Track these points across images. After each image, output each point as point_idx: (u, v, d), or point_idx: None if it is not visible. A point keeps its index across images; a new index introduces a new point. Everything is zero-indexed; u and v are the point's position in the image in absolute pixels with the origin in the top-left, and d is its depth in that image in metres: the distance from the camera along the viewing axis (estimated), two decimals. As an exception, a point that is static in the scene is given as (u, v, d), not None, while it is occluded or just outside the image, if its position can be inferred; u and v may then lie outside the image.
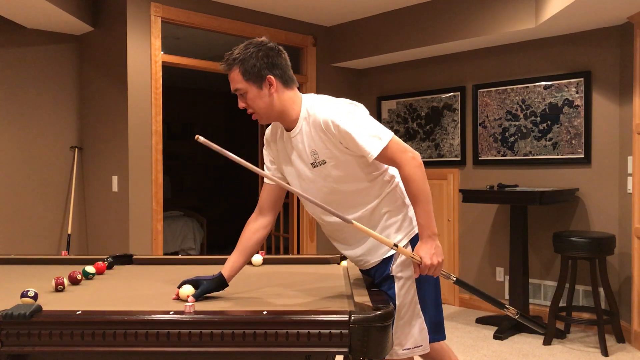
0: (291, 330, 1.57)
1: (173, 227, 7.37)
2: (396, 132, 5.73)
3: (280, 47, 2.07)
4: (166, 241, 6.92)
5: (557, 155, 4.63)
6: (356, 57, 5.53)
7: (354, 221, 1.94)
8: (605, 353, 3.86)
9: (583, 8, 3.84)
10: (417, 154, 2.02)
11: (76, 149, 4.87)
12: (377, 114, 5.88)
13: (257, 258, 2.66)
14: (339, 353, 1.59)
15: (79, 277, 2.20)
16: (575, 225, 4.56)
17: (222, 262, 2.70)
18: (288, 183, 2.19)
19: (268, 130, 2.24)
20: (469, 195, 4.63)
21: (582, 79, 4.49)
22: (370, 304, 1.72)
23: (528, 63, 4.80)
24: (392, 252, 2.10)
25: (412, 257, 1.99)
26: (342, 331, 1.57)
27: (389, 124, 5.79)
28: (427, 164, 5.93)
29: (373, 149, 1.97)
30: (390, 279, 2.11)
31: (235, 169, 9.56)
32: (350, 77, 5.92)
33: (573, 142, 4.54)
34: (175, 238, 7.40)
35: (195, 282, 1.99)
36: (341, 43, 5.64)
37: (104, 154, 4.66)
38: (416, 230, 2.11)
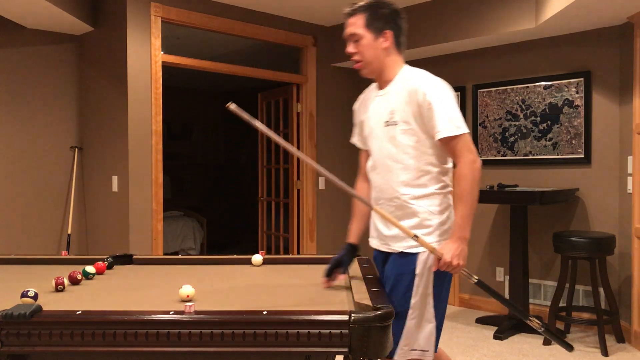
0: (291, 330, 1.57)
1: (173, 227, 7.37)
2: (396, 132, 5.74)
3: (404, 14, 2.24)
4: (166, 241, 6.92)
5: (557, 155, 4.63)
6: (356, 57, 5.52)
7: (375, 207, 2.11)
8: (605, 353, 3.86)
9: (583, 8, 3.84)
10: (479, 160, 2.09)
11: (76, 149, 4.87)
12: (377, 114, 5.88)
13: (257, 258, 2.66)
14: (339, 353, 1.59)
15: (79, 277, 2.20)
16: (575, 225, 4.56)
17: (222, 262, 2.73)
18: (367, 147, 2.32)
19: (360, 96, 2.41)
20: (469, 195, 4.62)
21: (582, 79, 4.49)
22: (370, 304, 1.72)
23: (528, 63, 4.80)
24: (415, 249, 2.12)
25: (433, 251, 2.04)
26: (342, 331, 1.57)
27: (389, 124, 5.79)
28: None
29: (444, 130, 2.05)
30: (410, 276, 2.12)
31: (235, 169, 9.56)
32: (350, 77, 5.92)
33: (573, 142, 4.54)
34: (175, 238, 7.40)
35: (337, 262, 2.18)
36: (341, 43, 5.61)
37: (104, 154, 4.66)
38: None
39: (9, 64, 4.55)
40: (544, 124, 4.69)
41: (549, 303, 4.53)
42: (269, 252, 6.01)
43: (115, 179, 4.52)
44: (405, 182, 2.15)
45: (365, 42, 2.16)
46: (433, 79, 2.13)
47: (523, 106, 4.82)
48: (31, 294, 1.81)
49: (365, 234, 2.38)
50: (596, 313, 4.01)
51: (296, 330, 1.57)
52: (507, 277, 4.86)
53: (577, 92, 4.52)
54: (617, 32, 4.29)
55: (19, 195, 4.60)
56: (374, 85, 2.32)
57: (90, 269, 2.32)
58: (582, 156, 4.49)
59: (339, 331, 1.57)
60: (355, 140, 2.43)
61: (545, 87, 4.68)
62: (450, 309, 5.17)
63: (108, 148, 4.61)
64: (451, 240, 2.05)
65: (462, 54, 5.21)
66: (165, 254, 5.37)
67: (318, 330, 1.57)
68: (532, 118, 4.76)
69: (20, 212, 4.61)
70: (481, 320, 4.72)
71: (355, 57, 2.19)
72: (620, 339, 4.13)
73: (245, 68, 5.22)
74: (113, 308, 1.75)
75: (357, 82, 5.99)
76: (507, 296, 4.84)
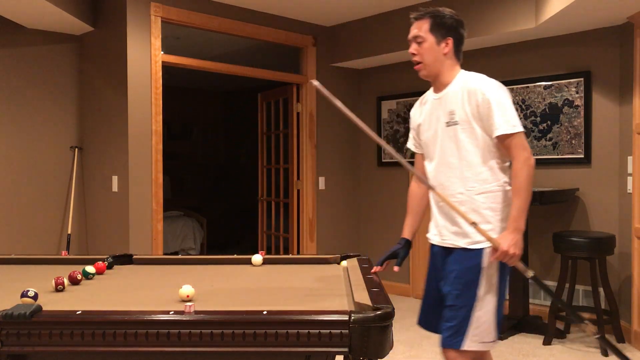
0: (291, 330, 1.57)
1: (173, 227, 7.37)
2: (396, 132, 5.74)
3: (466, 26, 2.46)
4: (166, 241, 6.92)
5: (557, 155, 4.63)
6: (356, 57, 5.53)
7: (435, 189, 2.26)
8: (605, 353, 3.86)
9: (583, 8, 3.84)
10: (533, 158, 2.20)
11: (76, 149, 4.87)
12: (377, 114, 5.88)
13: (257, 258, 2.66)
14: (339, 353, 1.59)
15: (79, 277, 2.20)
16: (575, 225, 4.56)
17: (222, 262, 2.72)
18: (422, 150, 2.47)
19: (417, 102, 2.53)
20: (469, 195, 4.62)
21: (582, 79, 4.49)
22: (370, 304, 1.72)
23: (528, 63, 4.80)
24: (479, 244, 2.22)
25: (491, 240, 2.15)
26: (342, 331, 1.57)
27: (389, 124, 5.79)
28: (427, 164, 5.87)
29: (501, 127, 2.17)
30: (476, 271, 2.22)
31: (235, 169, 9.56)
32: (350, 77, 5.92)
33: (573, 142, 4.54)
34: (175, 238, 7.40)
35: (393, 254, 2.39)
36: (341, 43, 5.64)
37: (104, 154, 4.66)
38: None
39: (9, 63, 4.55)
40: (544, 124, 4.70)
41: (549, 303, 4.53)
42: (269, 252, 6.01)
43: (115, 179, 4.52)
44: (467, 179, 2.26)
45: (427, 46, 2.33)
46: (490, 80, 2.30)
47: (523, 106, 4.82)
48: (31, 294, 1.81)
49: (419, 230, 2.57)
50: (596, 313, 4.01)
51: (296, 330, 1.57)
52: (507, 277, 4.85)
53: (577, 92, 4.52)
54: (617, 32, 4.29)
55: (19, 195, 4.60)
56: (429, 91, 2.45)
57: (90, 269, 2.32)
58: (582, 156, 4.49)
59: (339, 331, 1.57)
60: (410, 144, 2.57)
61: (545, 87, 4.68)
62: (450, 309, 5.17)
63: (108, 148, 4.61)
64: (507, 231, 2.17)
65: (463, 54, 5.20)
66: (165, 254, 5.37)
67: (318, 330, 1.57)
68: (532, 118, 4.76)
69: (20, 212, 4.61)
70: (481, 320, 4.71)
71: (416, 58, 2.34)
72: (620, 339, 4.13)
73: (245, 68, 5.22)
74: (113, 308, 1.75)
75: (357, 82, 6.00)
76: (507, 296, 4.84)
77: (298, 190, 5.65)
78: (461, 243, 2.27)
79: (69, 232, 4.74)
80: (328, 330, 1.57)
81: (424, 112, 2.43)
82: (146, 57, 4.43)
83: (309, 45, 5.52)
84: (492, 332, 2.26)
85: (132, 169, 4.38)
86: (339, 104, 2.12)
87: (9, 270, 2.52)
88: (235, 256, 2.76)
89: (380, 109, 5.86)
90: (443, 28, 2.35)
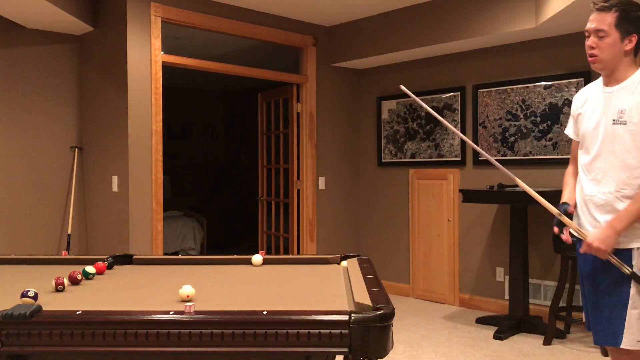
0: (291, 330, 1.57)
1: (173, 227, 7.37)
2: (396, 132, 5.74)
3: None
4: (166, 241, 6.92)
5: (557, 155, 4.62)
6: (356, 57, 5.53)
7: (518, 180, 2.40)
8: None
9: (583, 8, 3.83)
10: None
11: (76, 149, 4.87)
12: (377, 114, 5.88)
13: (257, 258, 2.65)
14: (339, 353, 1.59)
15: (79, 277, 2.20)
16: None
17: (222, 262, 2.72)
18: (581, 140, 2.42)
19: (582, 90, 2.51)
20: (469, 195, 4.63)
21: (582, 79, 4.49)
22: (370, 304, 1.72)
23: (528, 63, 4.80)
24: (629, 244, 2.20)
25: (578, 231, 2.24)
26: (342, 331, 1.57)
27: (389, 124, 5.79)
28: (427, 164, 5.94)
29: None
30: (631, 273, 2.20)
31: (235, 169, 9.56)
32: (350, 77, 5.92)
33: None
34: (175, 238, 7.40)
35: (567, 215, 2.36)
36: (341, 43, 5.64)
37: (104, 154, 4.66)
38: None
39: (9, 64, 4.55)
40: (544, 124, 4.69)
41: (549, 303, 4.53)
42: (269, 252, 6.01)
43: (115, 179, 4.52)
44: (621, 180, 2.23)
45: (610, 41, 2.18)
46: None
47: (523, 106, 4.82)
48: (31, 294, 1.81)
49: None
50: (596, 313, 4.00)
51: (296, 330, 1.57)
52: (507, 277, 4.86)
53: (577, 92, 4.51)
54: (617, 32, 4.29)
55: (19, 195, 4.60)
56: (598, 81, 2.38)
57: (90, 269, 2.32)
58: (582, 156, 4.48)
59: (339, 331, 1.57)
60: (569, 131, 2.52)
61: (545, 87, 4.68)
62: (451, 309, 5.17)
63: (108, 148, 4.61)
64: (604, 227, 2.20)
65: (462, 54, 5.21)
66: (165, 254, 5.37)
67: (318, 330, 1.57)
68: (532, 118, 4.76)
69: (20, 212, 4.61)
70: (481, 320, 4.72)
71: (594, 52, 2.22)
72: (620, 339, 4.12)
73: (245, 68, 5.22)
74: (113, 308, 1.75)
75: (357, 82, 6.00)
76: (507, 296, 4.85)
77: (298, 190, 5.65)
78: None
79: (69, 232, 4.74)
80: (328, 330, 1.57)
81: (589, 102, 2.37)
82: (146, 57, 4.43)
83: (309, 45, 5.52)
84: None
85: (132, 169, 4.38)
86: (427, 107, 2.28)
87: (9, 270, 2.52)
88: (235, 256, 2.76)
89: (380, 109, 5.86)
90: (630, 24, 2.17)
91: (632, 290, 2.20)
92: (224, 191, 9.62)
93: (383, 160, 5.86)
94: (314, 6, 5.04)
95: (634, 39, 2.19)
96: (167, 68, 4.69)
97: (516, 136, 4.86)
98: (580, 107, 2.43)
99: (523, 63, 4.83)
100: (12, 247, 4.50)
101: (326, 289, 2.16)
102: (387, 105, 5.81)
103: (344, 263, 2.59)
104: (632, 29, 2.18)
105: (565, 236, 2.33)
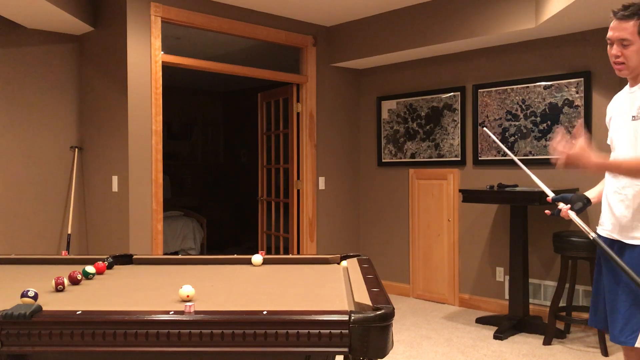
0: (291, 330, 1.57)
1: (173, 227, 7.37)
2: (396, 132, 5.74)
3: None
4: (166, 241, 6.92)
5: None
6: (356, 57, 5.53)
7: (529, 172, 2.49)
8: (605, 353, 3.86)
9: (583, 8, 3.84)
10: None
11: (76, 149, 4.87)
12: (377, 114, 5.88)
13: (257, 258, 2.65)
14: (339, 353, 1.59)
15: (79, 277, 2.20)
16: (575, 226, 4.55)
17: (222, 262, 2.72)
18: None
19: (614, 98, 2.55)
20: (469, 195, 4.63)
21: (582, 79, 4.49)
22: (370, 304, 1.72)
23: (528, 63, 4.80)
24: None
25: (582, 227, 2.36)
26: (342, 331, 1.57)
27: (389, 124, 5.79)
28: (427, 164, 5.94)
29: None
30: None
31: (235, 169, 9.56)
32: (350, 77, 5.92)
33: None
34: (175, 238, 7.40)
35: (564, 198, 2.47)
36: (341, 43, 5.64)
37: (104, 154, 4.66)
38: None
39: (9, 64, 4.55)
40: (544, 124, 4.69)
41: (549, 303, 4.53)
42: (269, 252, 6.01)
43: (115, 179, 4.52)
44: None
45: (635, 48, 2.23)
46: None
47: (523, 106, 4.82)
48: (31, 294, 1.81)
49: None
50: (596, 313, 4.00)
51: (296, 330, 1.57)
52: (507, 277, 4.86)
53: (577, 92, 4.52)
54: (617, 32, 4.29)
55: (19, 195, 4.60)
56: (626, 86, 2.45)
57: (90, 269, 2.32)
58: (582, 156, 4.48)
59: (339, 331, 1.57)
60: (609, 140, 2.55)
61: (545, 87, 4.68)
62: (450, 309, 5.17)
63: (108, 148, 4.61)
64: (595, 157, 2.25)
65: (462, 54, 5.21)
66: (165, 254, 5.37)
67: (318, 330, 1.57)
68: (532, 118, 4.76)
69: (20, 212, 4.61)
70: (481, 320, 4.72)
71: (620, 60, 2.29)
72: (620, 339, 4.12)
73: (245, 68, 5.22)
74: (113, 308, 1.75)
75: (357, 82, 6.00)
76: (507, 296, 4.84)
77: (298, 190, 5.65)
78: (628, 238, 2.29)
79: (69, 232, 4.74)
80: (328, 330, 1.57)
81: (617, 106, 2.44)
82: (146, 57, 4.43)
83: (309, 45, 5.52)
84: None
85: (132, 169, 4.38)
86: (504, 147, 2.53)
87: (9, 270, 2.51)
88: (235, 256, 2.76)
89: (380, 109, 5.86)
90: None
91: None
92: (224, 191, 9.63)
93: (383, 160, 5.86)
94: (313, 6, 5.04)
95: None
96: (167, 68, 4.69)
97: (516, 136, 4.86)
98: (610, 112, 2.50)
99: (523, 63, 4.83)
100: (12, 247, 4.50)
101: (326, 289, 2.16)
102: (387, 105, 5.81)
103: (344, 263, 2.59)
104: None
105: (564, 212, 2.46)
